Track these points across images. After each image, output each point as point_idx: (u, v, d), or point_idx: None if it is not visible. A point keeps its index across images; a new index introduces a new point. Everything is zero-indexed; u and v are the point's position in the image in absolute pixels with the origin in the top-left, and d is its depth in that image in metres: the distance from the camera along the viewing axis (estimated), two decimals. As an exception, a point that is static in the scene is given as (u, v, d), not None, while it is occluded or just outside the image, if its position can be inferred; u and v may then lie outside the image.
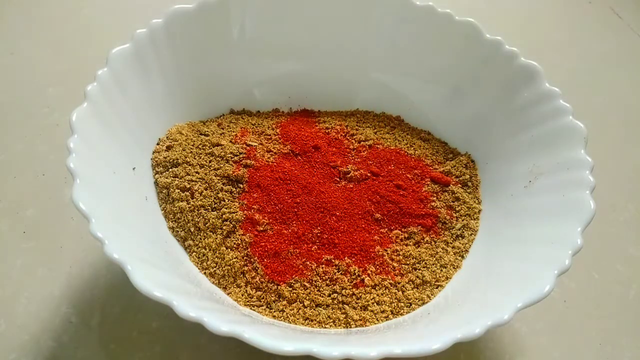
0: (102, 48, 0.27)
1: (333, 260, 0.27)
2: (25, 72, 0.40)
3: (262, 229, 0.28)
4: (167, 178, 0.29)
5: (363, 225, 0.29)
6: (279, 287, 0.26)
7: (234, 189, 0.29)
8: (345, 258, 0.27)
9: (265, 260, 0.27)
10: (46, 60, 0.41)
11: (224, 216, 0.28)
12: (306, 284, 0.26)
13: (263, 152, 0.31)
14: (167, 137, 0.31)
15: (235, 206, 0.28)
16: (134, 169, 0.28)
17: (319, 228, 0.28)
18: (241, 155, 0.30)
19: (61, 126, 0.36)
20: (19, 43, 0.42)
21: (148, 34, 0.29)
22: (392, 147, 0.33)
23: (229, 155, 0.30)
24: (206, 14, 0.31)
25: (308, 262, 0.27)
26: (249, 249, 0.27)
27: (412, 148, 0.34)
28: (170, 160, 0.30)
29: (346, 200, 0.30)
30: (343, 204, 0.29)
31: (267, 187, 0.29)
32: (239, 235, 0.27)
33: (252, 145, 0.31)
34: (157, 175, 0.29)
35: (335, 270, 0.27)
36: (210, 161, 0.30)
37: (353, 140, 0.34)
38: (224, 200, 0.28)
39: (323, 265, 0.27)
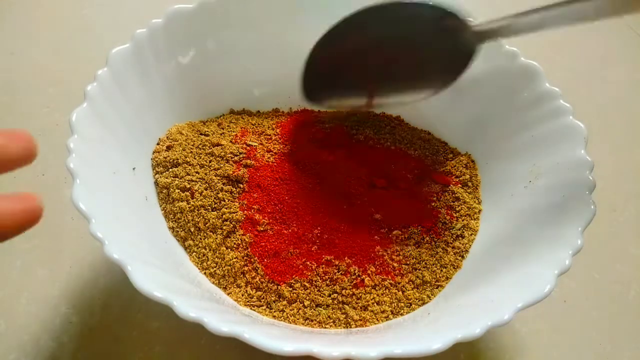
0: (102, 48, 0.27)
1: (333, 261, 0.27)
2: (25, 72, 0.40)
3: (262, 229, 0.28)
4: (167, 178, 0.29)
5: (363, 226, 0.29)
6: (279, 287, 0.26)
7: (234, 189, 0.29)
8: (346, 258, 0.27)
9: (265, 260, 0.27)
10: (46, 60, 0.41)
11: (223, 216, 0.28)
12: (306, 284, 0.26)
13: (263, 152, 0.31)
14: (167, 137, 0.31)
15: (236, 206, 0.28)
16: (134, 169, 0.28)
17: (319, 228, 0.28)
18: (241, 155, 0.30)
19: (61, 126, 0.36)
20: (19, 43, 0.42)
21: (148, 34, 0.29)
22: (392, 148, 0.33)
23: (229, 155, 0.30)
24: (206, 14, 0.31)
25: (308, 262, 0.27)
26: (249, 249, 0.27)
27: (412, 148, 0.33)
28: (171, 160, 0.30)
29: (348, 203, 0.30)
30: (343, 204, 0.29)
31: (267, 187, 0.29)
32: (239, 235, 0.27)
33: (252, 145, 0.31)
34: (157, 175, 0.29)
35: (336, 271, 0.27)
36: (210, 161, 0.30)
37: (353, 141, 0.34)
38: (224, 200, 0.28)
39: (323, 266, 0.27)
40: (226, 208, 0.28)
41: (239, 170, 0.29)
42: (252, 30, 0.33)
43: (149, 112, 0.30)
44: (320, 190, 0.30)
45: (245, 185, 0.29)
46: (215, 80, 0.33)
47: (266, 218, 0.28)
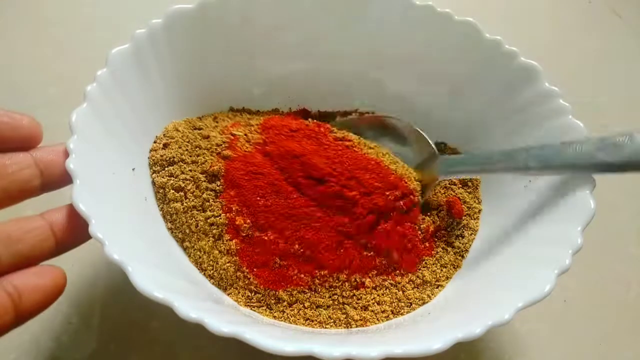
0: (102, 48, 0.27)
1: (327, 277, 0.26)
2: (25, 72, 0.40)
3: (244, 234, 0.27)
4: (163, 177, 0.28)
5: (347, 245, 0.27)
6: (277, 292, 0.26)
7: (217, 187, 0.28)
8: (344, 271, 0.26)
9: (255, 270, 0.26)
10: (46, 60, 0.41)
11: (209, 220, 0.27)
12: (305, 290, 0.26)
13: (244, 142, 0.30)
14: (163, 135, 0.30)
15: (218, 207, 0.27)
16: (133, 169, 0.28)
17: (297, 244, 0.26)
18: (224, 145, 0.29)
19: (61, 126, 0.36)
20: (19, 43, 0.42)
21: (148, 34, 0.29)
22: (372, 156, 0.30)
23: (215, 146, 0.29)
24: (206, 14, 0.31)
25: (302, 275, 0.26)
26: (237, 257, 0.26)
27: (394, 164, 0.31)
28: (167, 159, 0.29)
29: (319, 209, 0.27)
30: (316, 212, 0.27)
31: (238, 183, 0.28)
32: (226, 240, 0.27)
33: (236, 134, 0.30)
34: (154, 175, 0.29)
35: (334, 280, 0.26)
36: (198, 155, 0.29)
37: (328, 137, 0.31)
38: (208, 201, 0.27)
39: (317, 279, 0.26)
40: (210, 211, 0.27)
41: (215, 166, 0.28)
42: (252, 29, 0.33)
43: (149, 113, 0.30)
44: (287, 191, 0.28)
45: (222, 180, 0.28)
46: (215, 80, 0.33)
47: (247, 221, 0.27)
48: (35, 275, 0.19)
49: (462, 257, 0.29)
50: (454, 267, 0.28)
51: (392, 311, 0.26)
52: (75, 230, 0.21)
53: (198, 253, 0.27)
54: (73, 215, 0.21)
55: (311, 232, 0.27)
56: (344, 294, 0.26)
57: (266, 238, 0.26)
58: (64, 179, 0.22)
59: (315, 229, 0.27)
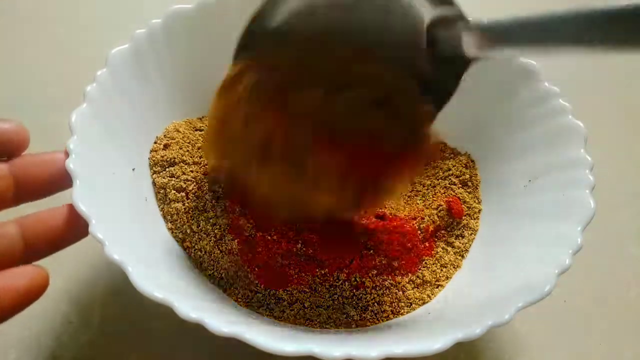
0: (102, 48, 0.27)
1: (328, 275, 0.26)
2: (25, 72, 0.40)
3: (247, 234, 0.27)
4: (164, 178, 0.28)
5: (346, 238, 0.27)
6: (277, 292, 0.26)
7: (220, 189, 0.28)
8: (344, 270, 0.26)
9: (256, 269, 0.26)
10: (46, 60, 0.41)
11: (211, 220, 0.27)
12: (305, 289, 0.26)
13: None
14: (164, 136, 0.30)
15: (221, 208, 0.27)
16: (133, 169, 0.28)
17: (299, 243, 0.26)
18: None
19: (61, 126, 0.36)
20: (19, 43, 0.42)
21: (147, 34, 0.29)
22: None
23: None
24: (206, 14, 0.31)
25: (303, 274, 0.26)
26: (239, 257, 0.26)
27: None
28: (168, 160, 0.29)
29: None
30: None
31: (240, 188, 0.27)
32: (229, 240, 0.27)
33: None
34: (154, 175, 0.29)
35: (335, 280, 0.26)
36: (200, 157, 0.29)
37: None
38: (211, 202, 0.27)
39: (318, 277, 0.26)
40: (213, 211, 0.27)
41: (218, 169, 0.28)
42: (251, 30, 0.33)
43: (149, 113, 0.30)
44: None
45: (225, 183, 0.28)
46: (215, 80, 0.33)
47: (250, 222, 0.27)
48: (12, 276, 0.19)
49: (462, 257, 0.29)
50: (454, 267, 0.28)
51: (392, 311, 0.26)
52: (49, 238, 0.21)
53: (199, 253, 0.27)
54: (47, 221, 0.21)
55: (315, 233, 0.27)
56: (344, 294, 0.26)
57: (269, 238, 0.27)
58: (41, 191, 0.22)
59: (319, 230, 0.27)
